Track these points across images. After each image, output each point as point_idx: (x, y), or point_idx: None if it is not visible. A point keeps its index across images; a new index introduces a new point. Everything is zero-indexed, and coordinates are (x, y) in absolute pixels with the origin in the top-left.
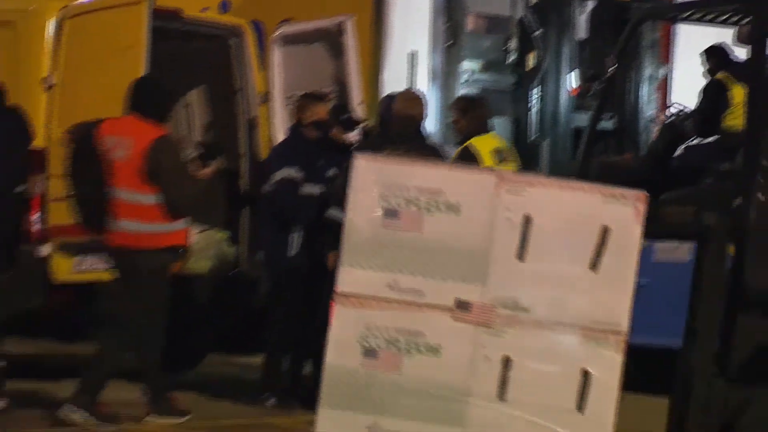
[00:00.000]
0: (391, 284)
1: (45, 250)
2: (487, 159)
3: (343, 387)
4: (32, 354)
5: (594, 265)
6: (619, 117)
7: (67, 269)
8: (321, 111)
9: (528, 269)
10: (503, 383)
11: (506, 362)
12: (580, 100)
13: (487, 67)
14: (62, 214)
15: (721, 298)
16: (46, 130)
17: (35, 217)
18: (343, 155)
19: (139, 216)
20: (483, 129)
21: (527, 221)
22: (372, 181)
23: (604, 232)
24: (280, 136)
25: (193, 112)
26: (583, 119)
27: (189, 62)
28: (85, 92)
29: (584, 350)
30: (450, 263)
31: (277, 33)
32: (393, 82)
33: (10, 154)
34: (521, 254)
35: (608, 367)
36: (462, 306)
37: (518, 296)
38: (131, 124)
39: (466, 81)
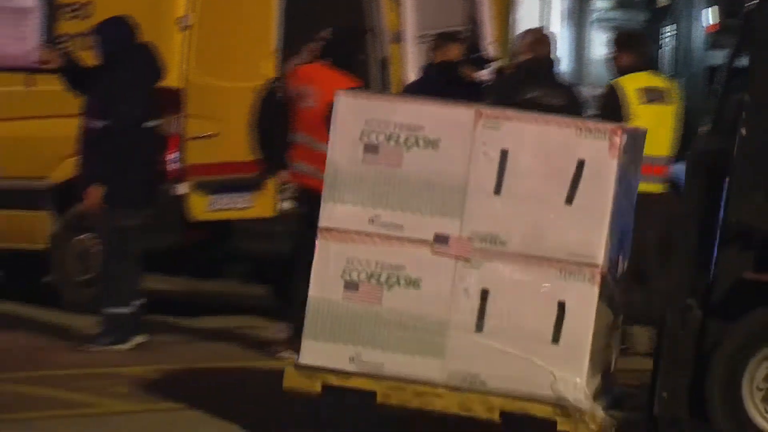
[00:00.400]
0: (372, 219)
1: (182, 188)
2: (632, 98)
3: (326, 319)
4: (169, 290)
5: (569, 198)
6: None
7: (203, 207)
8: (454, 51)
9: (505, 203)
10: (481, 315)
11: (484, 294)
12: (716, 37)
13: (618, 5)
14: (199, 153)
15: (701, 231)
16: (182, 70)
17: (172, 156)
18: (473, 94)
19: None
20: (641, 66)
21: (504, 155)
22: (353, 117)
23: (580, 166)
24: (411, 76)
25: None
26: (719, 57)
27: (321, 1)
28: (219, 33)
29: (560, 282)
30: (429, 198)
31: None
32: (525, 21)
33: (139, 88)
34: (498, 188)
35: (583, 299)
36: (440, 240)
37: (495, 230)
38: (322, 72)
39: (597, 19)
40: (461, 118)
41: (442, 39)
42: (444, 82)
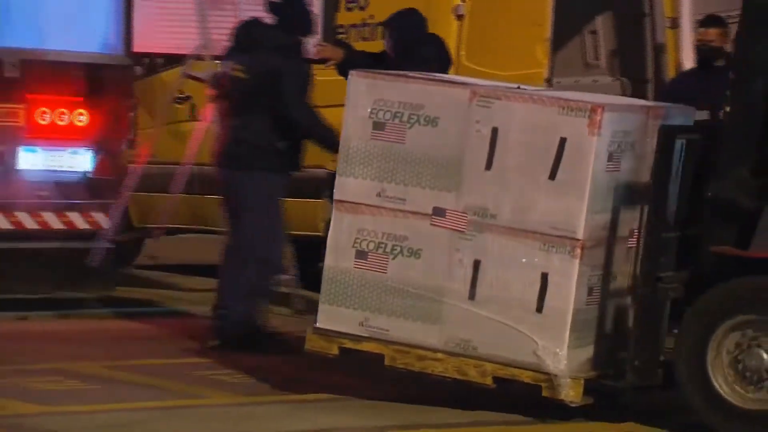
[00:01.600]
0: (380, 192)
1: None
2: None
3: (339, 286)
4: None
5: (552, 174)
6: None
7: None
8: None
9: (495, 178)
10: (473, 284)
11: (476, 265)
12: None
13: None
14: None
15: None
16: (456, 59)
17: None
18: None
19: None
20: None
21: (494, 132)
22: (364, 96)
23: (562, 143)
24: (689, 63)
25: (599, 38)
26: None
27: None
28: (492, 20)
29: (543, 255)
30: (428, 173)
31: None
32: None
33: None
34: (489, 164)
35: (564, 271)
36: (438, 212)
37: (486, 203)
38: None
39: None
40: (457, 97)
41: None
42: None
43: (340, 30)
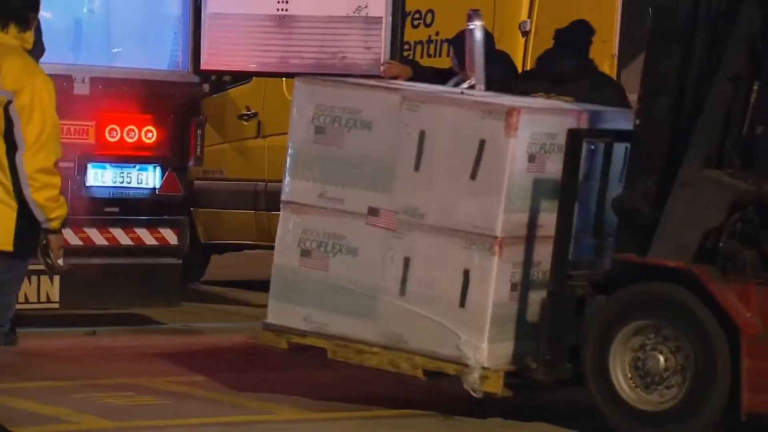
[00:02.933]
0: (321, 194)
1: None
2: None
3: (286, 282)
4: None
5: (473, 174)
6: None
7: None
8: None
9: (423, 179)
10: (404, 281)
11: (406, 262)
12: None
13: None
14: None
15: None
16: None
17: None
18: None
19: None
20: None
21: (422, 135)
22: (307, 101)
23: (481, 145)
24: None
25: None
26: None
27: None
28: None
29: (466, 252)
30: (364, 174)
31: None
32: None
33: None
34: (417, 165)
35: (484, 268)
36: (372, 212)
37: (416, 203)
38: None
39: None
40: (389, 102)
41: None
42: None
43: (406, 47)
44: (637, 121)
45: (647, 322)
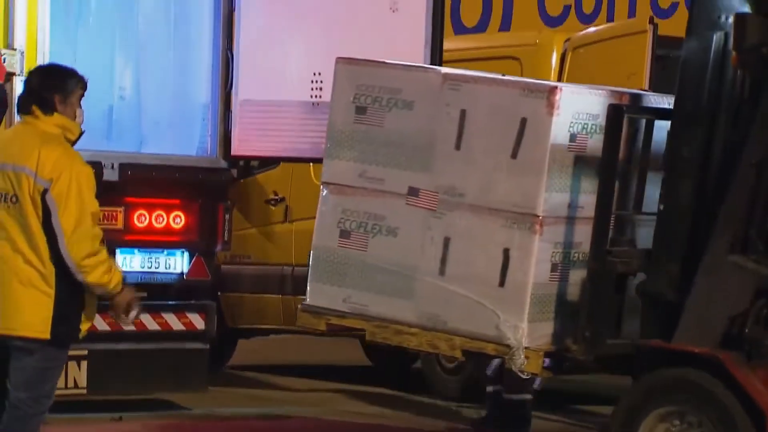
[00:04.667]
0: (361, 174)
1: None
2: None
3: (325, 264)
4: None
5: (514, 153)
6: None
7: None
8: None
9: (463, 158)
10: (443, 261)
11: (446, 242)
12: None
13: None
14: None
15: None
16: None
17: None
18: None
19: None
20: None
21: (463, 114)
22: (348, 82)
23: (523, 123)
24: None
25: None
26: None
27: None
28: (589, 72)
29: (506, 231)
30: (405, 154)
31: None
32: None
33: None
34: (458, 144)
35: (524, 247)
36: (412, 192)
37: (455, 183)
38: None
39: None
40: (430, 81)
41: None
42: None
43: None
44: (661, 206)
45: (672, 408)
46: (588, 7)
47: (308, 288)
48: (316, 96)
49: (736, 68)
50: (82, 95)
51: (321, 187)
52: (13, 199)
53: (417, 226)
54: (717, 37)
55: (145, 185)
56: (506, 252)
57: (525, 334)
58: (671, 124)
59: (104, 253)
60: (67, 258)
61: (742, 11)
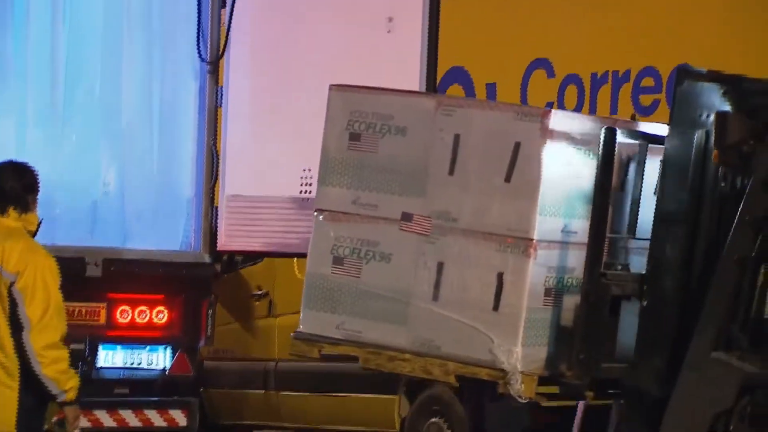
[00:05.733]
0: (355, 200)
1: None
2: None
3: (319, 291)
4: None
5: (508, 177)
6: None
7: None
8: None
9: (457, 183)
10: (437, 286)
11: (439, 267)
12: None
13: None
14: None
15: None
16: None
17: None
18: None
19: None
20: None
21: (456, 139)
22: (342, 108)
23: (516, 147)
24: None
25: None
26: None
27: None
28: None
29: (500, 255)
30: (399, 180)
31: None
32: None
33: None
34: (452, 169)
35: (518, 271)
36: (406, 217)
37: (449, 208)
38: None
39: None
40: (424, 107)
41: None
42: None
43: None
44: (644, 302)
45: None
46: (570, 103)
47: (301, 315)
48: (305, 192)
49: (717, 166)
50: None
51: (314, 213)
52: None
53: (410, 252)
54: (699, 135)
55: (128, 281)
56: (500, 276)
57: (519, 358)
58: (653, 222)
59: (66, 353)
60: (28, 345)
61: (723, 110)
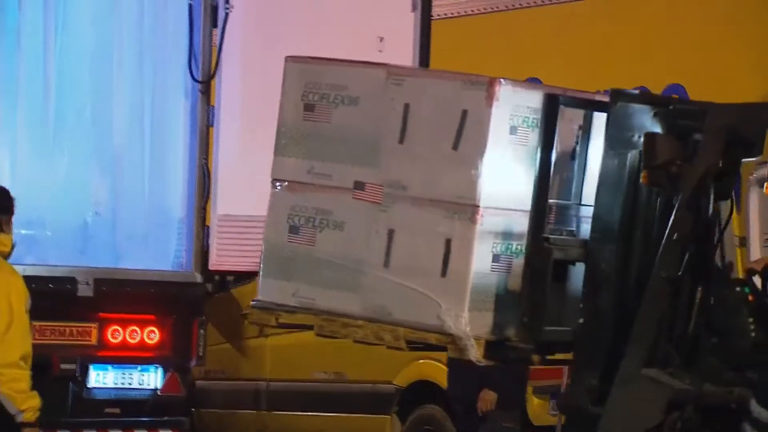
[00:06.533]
0: (309, 170)
1: None
2: None
3: (275, 260)
4: None
5: (455, 145)
6: None
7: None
8: None
9: (407, 151)
10: (388, 253)
11: (390, 234)
12: None
13: None
14: None
15: None
16: None
17: None
18: None
19: None
20: None
21: (406, 108)
22: (297, 80)
23: (463, 115)
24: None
25: None
26: None
27: None
28: None
29: (448, 222)
30: (351, 149)
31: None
32: None
33: None
34: (402, 138)
35: (465, 236)
36: (358, 186)
37: (400, 176)
38: None
39: None
40: (375, 77)
41: None
42: None
43: None
44: (581, 319)
45: None
46: None
47: (259, 284)
48: None
49: (646, 185)
50: None
51: (271, 183)
52: None
53: (363, 220)
54: (631, 156)
55: (119, 301)
56: (447, 242)
57: (467, 322)
58: (590, 238)
59: (26, 373)
60: None
61: (653, 131)
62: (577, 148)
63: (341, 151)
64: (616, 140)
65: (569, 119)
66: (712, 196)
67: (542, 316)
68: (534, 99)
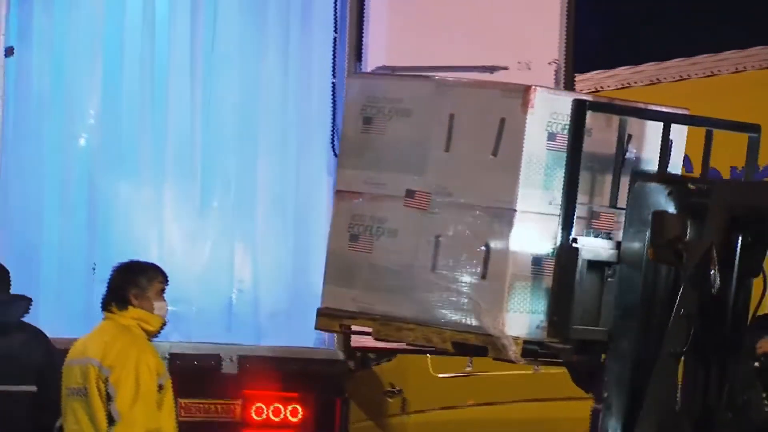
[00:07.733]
0: (366, 180)
1: None
2: None
3: (338, 267)
4: None
5: (495, 152)
6: None
7: None
8: None
9: (451, 159)
10: (435, 257)
11: (437, 239)
12: None
13: None
14: None
15: None
16: None
17: None
18: None
19: None
20: None
21: (451, 118)
22: (358, 96)
23: (501, 123)
24: None
25: None
26: None
27: None
28: None
29: (487, 227)
30: (402, 158)
31: None
32: None
33: None
34: (447, 147)
35: (502, 241)
36: (409, 194)
37: (445, 183)
38: None
39: None
40: (425, 89)
41: None
42: None
43: None
44: (605, 394)
45: None
46: None
47: (323, 291)
48: None
49: (653, 262)
50: (163, 289)
51: (334, 195)
52: (83, 392)
53: (413, 226)
54: (649, 233)
55: (263, 378)
56: (487, 246)
57: (504, 323)
58: (613, 316)
59: None
60: None
61: (668, 209)
62: (614, 153)
63: (394, 160)
64: (634, 218)
65: (613, 127)
66: (717, 271)
67: (570, 314)
68: (568, 105)
